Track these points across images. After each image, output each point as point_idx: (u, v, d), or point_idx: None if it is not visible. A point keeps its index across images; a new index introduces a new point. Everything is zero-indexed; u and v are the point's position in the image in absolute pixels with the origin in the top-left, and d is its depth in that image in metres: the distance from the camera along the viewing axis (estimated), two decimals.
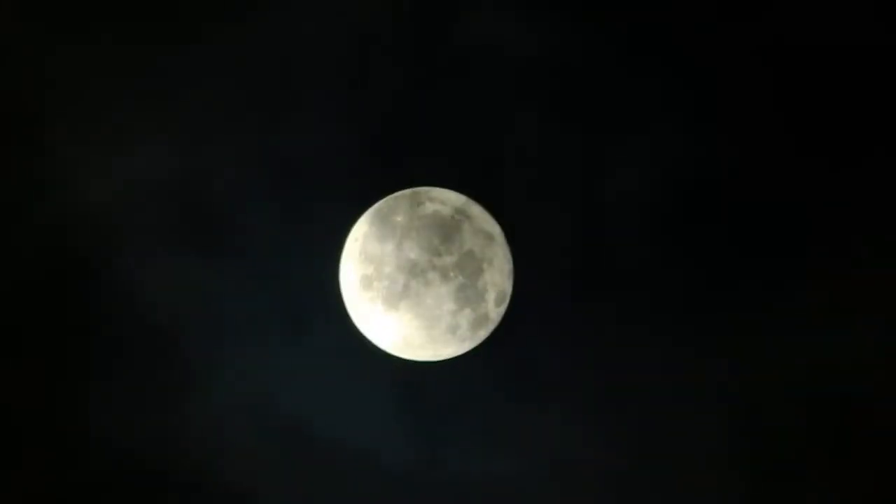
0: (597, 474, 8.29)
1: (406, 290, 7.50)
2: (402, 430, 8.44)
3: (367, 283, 7.65)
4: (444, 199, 7.82)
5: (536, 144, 8.07)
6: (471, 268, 7.57)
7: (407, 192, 7.84)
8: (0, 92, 8.01)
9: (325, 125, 8.07)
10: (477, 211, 7.83)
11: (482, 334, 7.96)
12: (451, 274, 7.51)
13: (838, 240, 8.08)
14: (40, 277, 8.10)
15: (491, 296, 7.73)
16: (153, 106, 8.04)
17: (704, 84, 8.03)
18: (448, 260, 7.55)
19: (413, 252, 7.55)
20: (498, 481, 8.35)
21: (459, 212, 7.73)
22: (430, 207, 7.77)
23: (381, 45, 8.05)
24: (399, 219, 7.77)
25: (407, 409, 8.38)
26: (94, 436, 8.20)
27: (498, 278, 7.75)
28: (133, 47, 8.06)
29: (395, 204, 7.81)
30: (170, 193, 8.18)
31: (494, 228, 7.87)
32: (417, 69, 8.09)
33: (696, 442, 8.24)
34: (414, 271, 7.49)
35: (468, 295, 7.57)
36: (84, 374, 8.24)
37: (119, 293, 8.24)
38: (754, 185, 8.12)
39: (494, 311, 7.88)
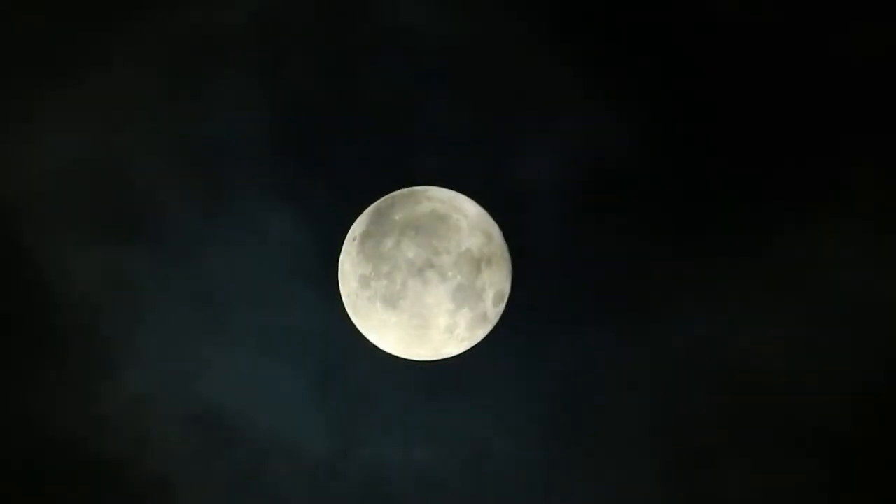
0: (513, 461, 8.27)
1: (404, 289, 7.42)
2: (321, 418, 8.45)
3: (364, 282, 7.59)
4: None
5: (447, 129, 8.01)
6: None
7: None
8: None
9: (238, 112, 8.04)
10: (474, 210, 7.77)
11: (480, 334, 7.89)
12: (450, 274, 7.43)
13: (745, 228, 7.98)
14: None
15: (489, 295, 7.67)
16: (66, 96, 8.05)
17: (613, 73, 7.93)
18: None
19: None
20: (416, 468, 8.35)
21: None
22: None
23: (293, 31, 8.01)
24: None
25: (325, 397, 8.39)
26: (13, 423, 8.27)
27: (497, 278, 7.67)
28: (47, 38, 8.07)
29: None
30: (86, 182, 8.19)
31: (493, 228, 7.79)
32: (331, 53, 8.03)
33: (612, 427, 8.18)
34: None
35: (466, 295, 7.51)
36: (4, 362, 8.30)
37: (38, 282, 8.27)
38: (662, 173, 8.03)
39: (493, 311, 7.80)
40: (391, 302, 7.40)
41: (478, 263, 7.44)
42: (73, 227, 8.18)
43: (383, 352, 8.18)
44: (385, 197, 7.78)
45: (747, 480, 7.92)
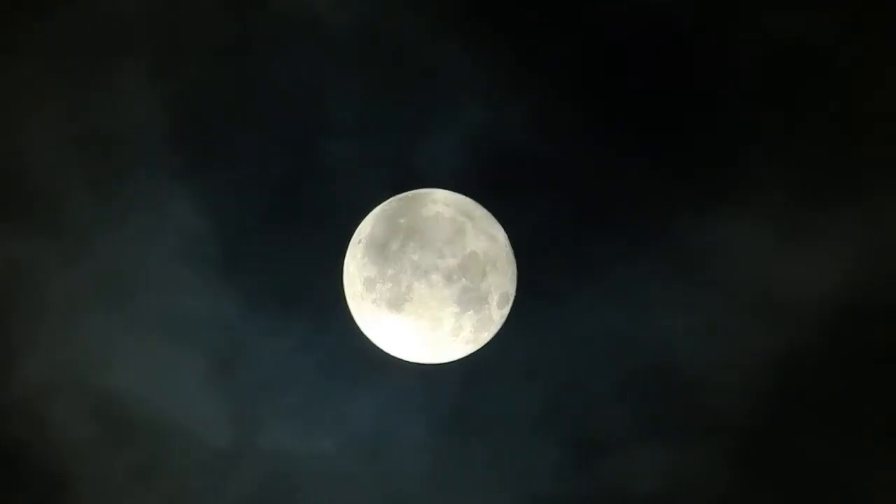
0: (415, 447, 8.24)
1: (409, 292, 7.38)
2: (221, 408, 8.41)
3: (370, 285, 7.56)
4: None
5: (349, 115, 8.04)
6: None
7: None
8: None
9: (136, 100, 8.07)
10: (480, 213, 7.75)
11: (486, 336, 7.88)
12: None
13: (647, 218, 8.00)
14: None
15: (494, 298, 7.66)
16: None
17: (512, 59, 7.98)
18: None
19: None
20: (317, 458, 8.32)
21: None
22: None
23: (192, 18, 8.05)
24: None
25: (224, 387, 8.36)
26: None
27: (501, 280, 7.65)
28: None
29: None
30: None
31: (499, 232, 7.78)
32: (231, 39, 8.08)
33: (516, 414, 8.16)
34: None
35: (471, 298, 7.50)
36: None
37: None
38: (565, 161, 8.06)
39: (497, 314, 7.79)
40: (396, 305, 7.42)
41: (483, 266, 7.58)
42: None
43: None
44: (390, 200, 7.84)
45: (647, 463, 7.90)
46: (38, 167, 8.14)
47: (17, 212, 8.19)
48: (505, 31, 7.98)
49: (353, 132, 8.12)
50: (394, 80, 8.11)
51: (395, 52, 8.08)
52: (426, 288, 7.25)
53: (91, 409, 8.37)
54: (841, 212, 7.80)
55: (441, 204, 7.62)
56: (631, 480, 7.89)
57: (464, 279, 7.31)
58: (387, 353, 8.03)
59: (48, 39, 7.95)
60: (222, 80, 8.09)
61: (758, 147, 7.97)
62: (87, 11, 7.91)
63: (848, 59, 7.76)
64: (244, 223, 8.18)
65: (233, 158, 8.17)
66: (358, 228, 7.76)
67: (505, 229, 8.00)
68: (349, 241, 8.15)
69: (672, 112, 8.04)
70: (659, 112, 8.04)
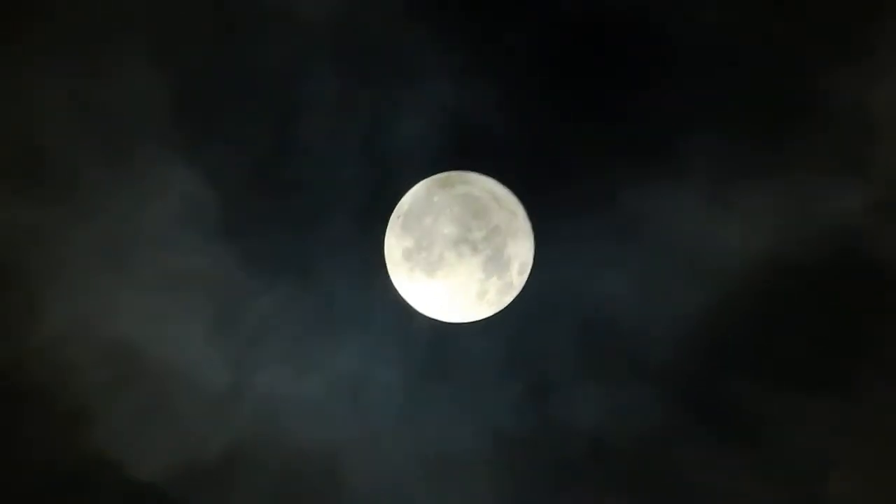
0: (388, 389, 9.39)
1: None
2: (220, 354, 9.51)
3: (407, 254, 8.64)
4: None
5: (326, 95, 9.03)
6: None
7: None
8: None
9: (141, 80, 9.03)
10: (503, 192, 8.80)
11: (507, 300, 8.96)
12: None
13: (595, 187, 9.07)
14: None
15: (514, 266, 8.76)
16: None
17: (480, 48, 8.98)
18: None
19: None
20: (303, 397, 9.46)
21: None
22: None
23: (188, 8, 8.99)
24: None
25: (222, 336, 9.45)
26: None
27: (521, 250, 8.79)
28: None
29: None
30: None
31: (518, 208, 8.86)
32: (220, 27, 9.02)
33: (476, 360, 9.30)
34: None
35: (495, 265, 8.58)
36: None
37: None
38: (523, 137, 9.11)
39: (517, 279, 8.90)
40: (430, 272, 8.48)
41: (504, 237, 8.54)
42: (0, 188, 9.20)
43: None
44: (423, 181, 8.83)
45: (590, 400, 9.08)
46: (53, 142, 9.13)
47: (34, 181, 9.19)
48: (472, 22, 8.97)
49: (330, 112, 9.13)
50: (369, 64, 9.10)
51: (370, 38, 9.06)
52: (456, 257, 8.35)
53: (103, 356, 9.46)
54: (762, 184, 8.90)
55: (469, 184, 8.71)
56: (576, 415, 9.08)
57: (488, 249, 8.41)
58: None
59: (64, 27, 8.89)
60: (216, 64, 9.06)
61: (691, 127, 9.02)
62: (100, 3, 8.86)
63: (771, 53, 8.80)
64: (237, 190, 9.21)
65: (225, 133, 9.17)
66: (398, 205, 8.82)
67: None
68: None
69: (618, 96, 9.07)
70: (606, 96, 9.07)
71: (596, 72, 9.11)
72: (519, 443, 8.98)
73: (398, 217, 8.78)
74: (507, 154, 8.98)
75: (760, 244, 8.92)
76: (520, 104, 9.15)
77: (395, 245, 8.72)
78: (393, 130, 9.09)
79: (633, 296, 9.12)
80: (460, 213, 8.36)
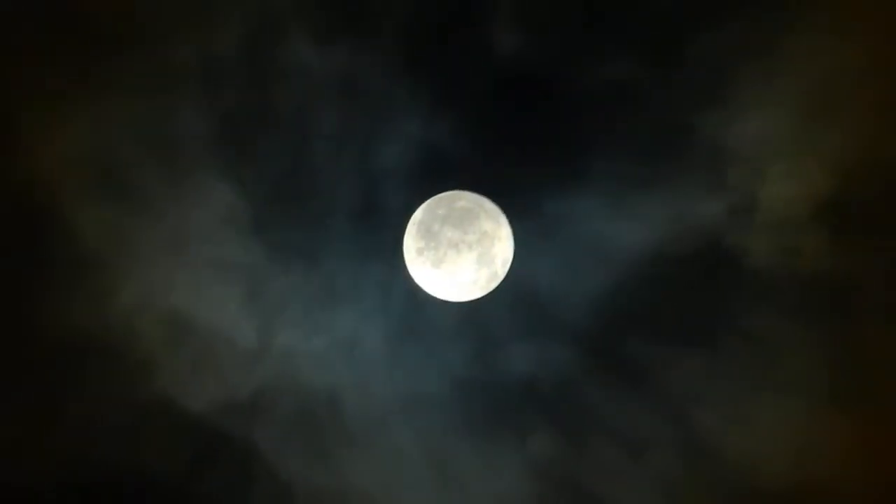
0: (376, 347, 12.58)
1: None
2: (250, 321, 12.73)
3: (419, 252, 12.01)
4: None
5: (328, 129, 12.26)
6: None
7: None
8: None
9: (192, 116, 12.27)
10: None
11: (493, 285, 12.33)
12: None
13: (523, 194, 12.23)
14: None
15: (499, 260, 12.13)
16: (87, 109, 12.30)
17: (444, 86, 12.20)
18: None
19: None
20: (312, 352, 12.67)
21: None
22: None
23: (230, 62, 12.22)
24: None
25: (252, 307, 12.67)
26: (44, 320, 12.53)
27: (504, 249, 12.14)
28: (80, 59, 12.26)
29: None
30: (96, 164, 12.45)
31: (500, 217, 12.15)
32: (255, 77, 12.23)
33: (437, 322, 12.45)
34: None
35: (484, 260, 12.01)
36: (44, 285, 12.56)
37: (65, 232, 12.52)
38: (469, 156, 12.31)
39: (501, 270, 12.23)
40: (436, 265, 11.83)
41: (492, 239, 11.83)
42: (88, 196, 12.43)
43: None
44: (432, 198, 12.14)
45: (524, 355, 12.23)
46: (130, 163, 12.36)
47: (111, 192, 12.43)
48: (436, 68, 12.16)
49: (332, 140, 12.34)
50: (357, 106, 12.31)
51: (361, 87, 12.28)
52: (455, 254, 11.74)
53: (164, 321, 12.67)
54: (650, 194, 12.03)
55: (465, 200, 11.95)
56: (513, 367, 12.25)
57: (480, 248, 11.78)
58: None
59: (137, 75, 12.12)
60: (248, 105, 12.27)
61: (600, 151, 12.15)
62: (155, 54, 12.09)
63: (657, 98, 11.94)
64: (263, 199, 12.42)
65: (255, 157, 12.39)
66: (412, 217, 12.16)
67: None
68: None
69: (543, 122, 12.21)
70: (534, 123, 12.23)
71: (535, 110, 12.25)
72: (470, 385, 12.18)
73: (413, 225, 12.06)
74: (459, 174, 12.19)
75: (649, 239, 12.06)
76: (483, 135, 12.32)
77: (411, 245, 12.00)
78: (382, 155, 12.32)
79: (558, 277, 12.27)
80: (459, 221, 11.74)
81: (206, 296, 12.64)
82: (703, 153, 11.83)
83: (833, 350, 11.43)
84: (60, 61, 12.18)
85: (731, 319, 11.83)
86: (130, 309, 12.59)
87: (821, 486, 11.64)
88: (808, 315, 11.54)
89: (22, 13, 11.93)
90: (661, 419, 11.90)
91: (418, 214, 12.15)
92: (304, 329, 12.60)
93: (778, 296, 11.48)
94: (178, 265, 12.56)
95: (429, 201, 12.19)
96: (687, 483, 11.57)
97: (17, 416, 12.38)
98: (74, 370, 12.52)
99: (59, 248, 12.50)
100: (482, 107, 12.29)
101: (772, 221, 11.69)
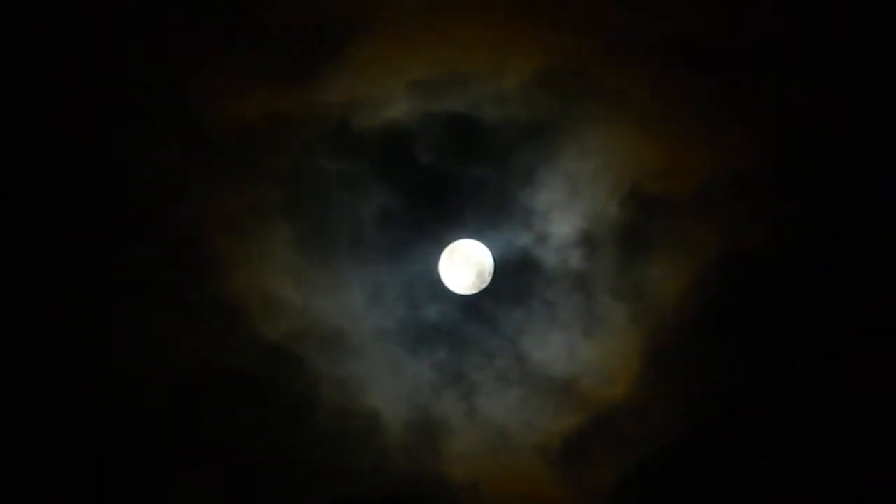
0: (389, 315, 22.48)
1: None
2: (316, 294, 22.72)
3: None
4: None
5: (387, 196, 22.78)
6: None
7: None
8: None
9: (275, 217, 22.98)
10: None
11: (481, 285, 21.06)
12: None
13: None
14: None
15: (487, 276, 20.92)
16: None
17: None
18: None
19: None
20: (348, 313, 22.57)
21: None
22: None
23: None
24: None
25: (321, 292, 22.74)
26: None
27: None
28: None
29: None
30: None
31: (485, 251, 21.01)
32: (306, 171, 23.05)
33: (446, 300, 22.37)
34: None
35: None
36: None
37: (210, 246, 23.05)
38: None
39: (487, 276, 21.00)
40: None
41: (483, 265, 20.89)
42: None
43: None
44: (452, 244, 21.05)
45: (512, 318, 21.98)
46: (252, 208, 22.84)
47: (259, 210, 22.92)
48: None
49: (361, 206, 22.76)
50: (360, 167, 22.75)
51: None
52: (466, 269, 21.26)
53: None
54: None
55: (465, 245, 20.90)
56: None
57: (477, 270, 21.26)
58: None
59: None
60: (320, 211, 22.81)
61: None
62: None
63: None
64: (319, 248, 22.78)
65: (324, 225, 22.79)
66: (446, 249, 21.16)
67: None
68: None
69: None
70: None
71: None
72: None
73: (449, 253, 21.42)
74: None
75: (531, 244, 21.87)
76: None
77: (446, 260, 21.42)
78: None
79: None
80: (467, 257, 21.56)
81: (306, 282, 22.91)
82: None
83: None
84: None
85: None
86: (240, 289, 22.66)
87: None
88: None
89: None
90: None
91: (449, 250, 22.56)
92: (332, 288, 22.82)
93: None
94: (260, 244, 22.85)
95: (450, 247, 22.66)
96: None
97: None
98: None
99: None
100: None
101: None
